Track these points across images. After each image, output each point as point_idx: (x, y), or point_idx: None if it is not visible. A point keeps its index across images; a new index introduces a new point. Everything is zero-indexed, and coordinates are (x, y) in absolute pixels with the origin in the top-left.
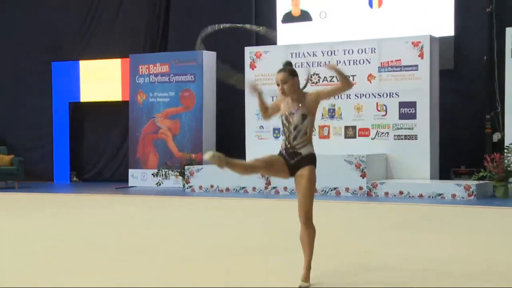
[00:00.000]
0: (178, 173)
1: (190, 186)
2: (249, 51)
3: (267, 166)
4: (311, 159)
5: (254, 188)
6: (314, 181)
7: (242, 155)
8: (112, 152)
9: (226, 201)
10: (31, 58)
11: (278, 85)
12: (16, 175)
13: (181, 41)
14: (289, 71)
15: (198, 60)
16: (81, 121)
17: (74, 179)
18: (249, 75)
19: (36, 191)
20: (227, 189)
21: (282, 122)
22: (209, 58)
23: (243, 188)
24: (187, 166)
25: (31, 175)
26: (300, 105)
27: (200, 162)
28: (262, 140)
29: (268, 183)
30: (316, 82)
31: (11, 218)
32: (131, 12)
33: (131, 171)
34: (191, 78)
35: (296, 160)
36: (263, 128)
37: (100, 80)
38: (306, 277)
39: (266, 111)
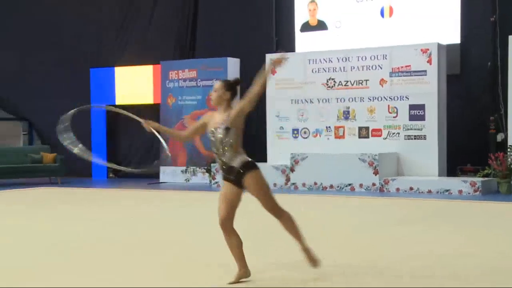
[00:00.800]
0: (205, 170)
1: (216, 182)
2: (270, 58)
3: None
4: (246, 167)
5: (275, 184)
6: (261, 182)
7: (264, 155)
8: (145, 151)
9: (247, 196)
10: (72, 65)
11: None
12: (58, 171)
13: (207, 48)
14: (225, 83)
15: (223, 66)
16: (116, 123)
17: (111, 175)
18: (270, 80)
19: (76, 186)
20: None
21: (210, 138)
22: (233, 64)
23: None
24: (213, 164)
25: (71, 171)
26: (224, 119)
27: None
28: (282, 140)
29: (288, 179)
30: (332, 86)
31: (59, 210)
32: (161, 22)
33: (162, 168)
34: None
35: (235, 174)
36: (283, 128)
37: (134, 84)
38: (311, 259)
39: (179, 135)
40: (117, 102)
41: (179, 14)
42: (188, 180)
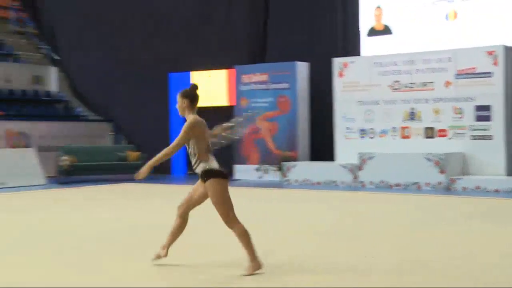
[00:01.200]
0: (276, 168)
1: (287, 180)
2: (338, 62)
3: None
4: (206, 175)
5: (343, 182)
6: (217, 192)
7: (332, 154)
8: (220, 149)
9: (317, 193)
10: (153, 69)
11: None
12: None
13: (278, 54)
14: (181, 92)
15: (293, 71)
16: None
17: (190, 172)
18: (338, 82)
19: (157, 182)
20: (319, 183)
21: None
22: (302, 68)
23: (333, 181)
24: (284, 162)
25: (153, 168)
26: None
27: (295, 159)
28: (349, 140)
29: (355, 177)
30: (398, 89)
31: (141, 203)
32: (235, 29)
33: (236, 166)
34: (287, 85)
35: (200, 179)
36: (350, 129)
37: (209, 88)
38: (252, 267)
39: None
40: None
41: (252, 21)
42: (261, 178)
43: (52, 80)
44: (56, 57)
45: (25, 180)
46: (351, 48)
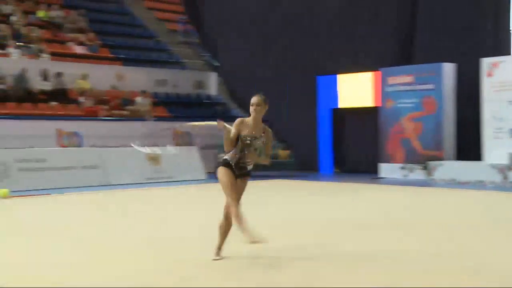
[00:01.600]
0: (422, 167)
1: (433, 179)
2: (486, 62)
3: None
4: (250, 174)
5: (492, 182)
6: (218, 177)
7: (478, 154)
8: (366, 148)
9: (464, 192)
10: (302, 72)
11: (252, 105)
12: (291, 166)
13: (424, 55)
14: (265, 98)
15: (438, 72)
16: (340, 123)
17: (336, 170)
18: (486, 82)
19: (304, 179)
20: (467, 182)
21: (244, 141)
22: (448, 69)
23: (481, 181)
24: (429, 162)
25: (301, 166)
26: (263, 134)
27: (442, 158)
28: (498, 140)
29: (505, 178)
30: None
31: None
32: (380, 33)
33: (381, 165)
34: (432, 86)
35: (242, 173)
36: (500, 129)
37: (355, 89)
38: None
39: (233, 142)
40: (340, 106)
41: (399, 24)
42: (406, 176)
43: (212, 84)
44: (216, 64)
45: (189, 175)
46: (502, 47)
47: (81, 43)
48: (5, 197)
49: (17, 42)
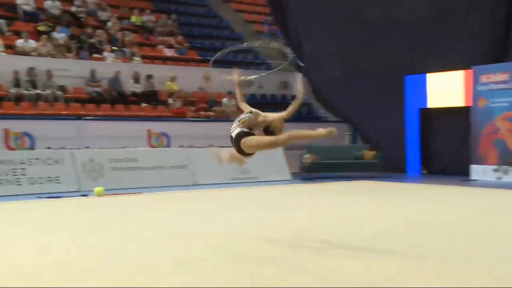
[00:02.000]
0: None
1: None
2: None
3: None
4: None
5: None
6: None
7: None
8: (456, 150)
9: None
10: (389, 72)
11: None
12: (377, 167)
13: None
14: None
15: None
16: (429, 124)
17: (424, 171)
18: None
19: (390, 180)
20: None
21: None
22: None
23: None
24: None
25: (388, 167)
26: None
27: None
28: None
29: None
30: None
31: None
32: (474, 29)
33: (472, 166)
34: None
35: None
36: None
37: (445, 89)
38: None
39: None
40: (429, 106)
41: (492, 20)
42: (500, 178)
43: (297, 85)
44: (301, 64)
45: (274, 175)
46: None
47: (170, 46)
48: (99, 195)
49: (112, 46)
